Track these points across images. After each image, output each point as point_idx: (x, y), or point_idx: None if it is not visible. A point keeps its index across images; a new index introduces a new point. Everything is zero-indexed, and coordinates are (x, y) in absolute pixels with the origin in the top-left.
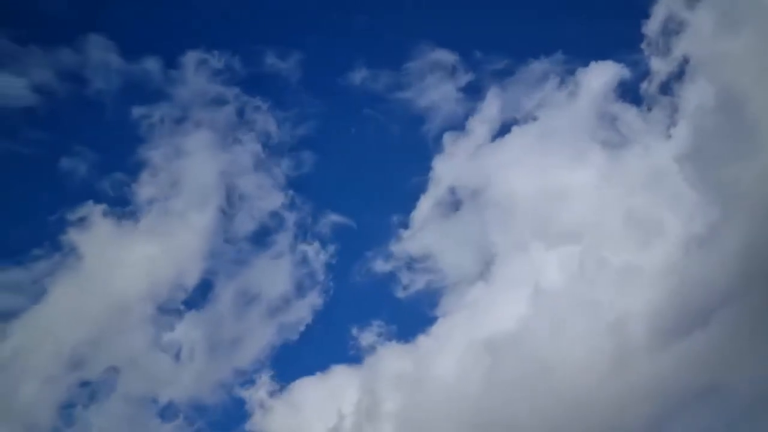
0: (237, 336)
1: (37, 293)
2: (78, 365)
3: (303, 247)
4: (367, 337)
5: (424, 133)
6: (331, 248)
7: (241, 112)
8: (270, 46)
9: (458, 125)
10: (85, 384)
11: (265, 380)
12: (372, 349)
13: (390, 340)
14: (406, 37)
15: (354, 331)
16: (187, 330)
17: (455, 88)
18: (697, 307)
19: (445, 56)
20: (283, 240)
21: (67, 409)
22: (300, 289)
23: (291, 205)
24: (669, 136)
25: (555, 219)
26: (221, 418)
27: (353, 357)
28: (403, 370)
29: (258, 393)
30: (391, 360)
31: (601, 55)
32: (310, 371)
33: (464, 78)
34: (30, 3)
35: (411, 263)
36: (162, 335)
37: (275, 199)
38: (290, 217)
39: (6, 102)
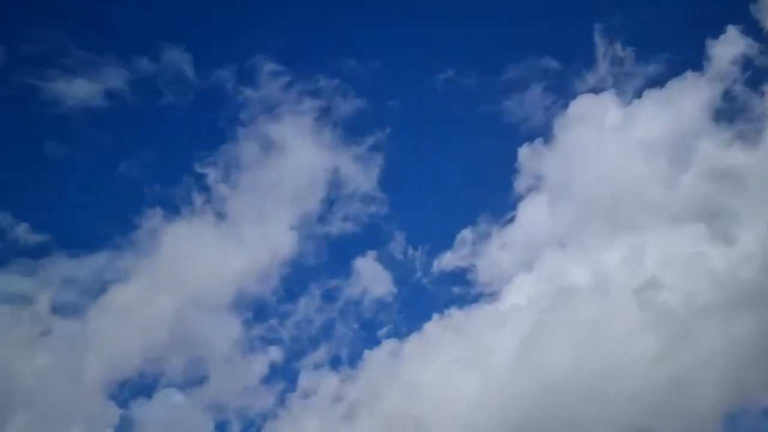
0: (318, 341)
1: (111, 285)
2: (149, 363)
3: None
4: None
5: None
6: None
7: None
8: (350, 52)
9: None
10: (151, 381)
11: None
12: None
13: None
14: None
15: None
16: (268, 334)
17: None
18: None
19: (547, 63)
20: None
21: (129, 403)
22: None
23: (376, 208)
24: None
25: (636, 205)
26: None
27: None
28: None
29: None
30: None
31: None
32: None
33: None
34: (109, 11)
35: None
36: (242, 337)
37: (361, 202)
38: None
39: (79, 106)
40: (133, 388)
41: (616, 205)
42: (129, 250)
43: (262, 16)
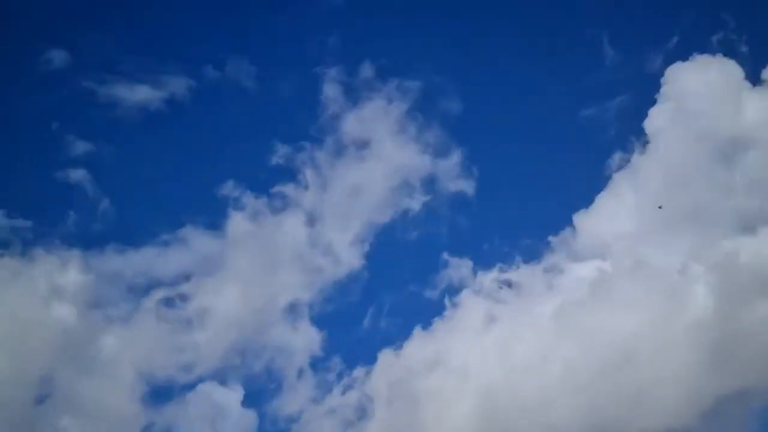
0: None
1: (168, 283)
2: (204, 361)
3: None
4: None
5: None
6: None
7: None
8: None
9: None
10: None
11: None
12: None
13: None
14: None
15: None
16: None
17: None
18: None
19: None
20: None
21: (167, 402)
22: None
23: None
24: None
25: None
26: None
27: None
28: None
29: None
30: None
31: None
32: None
33: None
34: (177, 21)
35: None
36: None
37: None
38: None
39: (142, 108)
40: (174, 387)
41: (698, 204)
42: (187, 250)
43: (327, 27)
